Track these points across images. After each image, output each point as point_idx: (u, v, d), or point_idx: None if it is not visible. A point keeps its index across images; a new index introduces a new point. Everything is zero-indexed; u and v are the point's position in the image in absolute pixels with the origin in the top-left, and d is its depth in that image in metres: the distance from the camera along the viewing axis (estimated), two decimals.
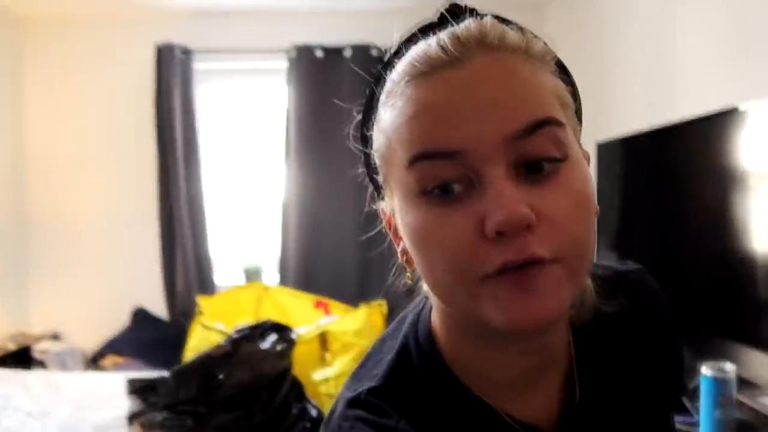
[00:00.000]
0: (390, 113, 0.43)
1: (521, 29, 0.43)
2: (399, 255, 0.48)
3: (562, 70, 0.46)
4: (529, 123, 0.38)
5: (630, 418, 0.51)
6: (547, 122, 0.39)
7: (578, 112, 0.47)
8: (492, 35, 0.40)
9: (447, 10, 0.43)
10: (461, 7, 0.44)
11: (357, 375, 0.51)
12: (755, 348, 1.27)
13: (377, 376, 0.48)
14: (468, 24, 0.41)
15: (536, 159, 0.39)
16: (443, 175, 0.39)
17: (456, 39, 0.40)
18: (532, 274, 0.38)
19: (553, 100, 0.41)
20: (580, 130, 0.47)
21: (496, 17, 0.43)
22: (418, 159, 0.40)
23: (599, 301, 0.50)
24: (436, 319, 0.49)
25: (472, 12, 0.43)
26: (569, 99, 0.44)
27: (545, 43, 0.44)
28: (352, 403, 0.47)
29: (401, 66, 0.43)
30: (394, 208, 0.45)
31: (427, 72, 0.40)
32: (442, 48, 0.40)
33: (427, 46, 0.41)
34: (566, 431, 0.48)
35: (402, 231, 0.44)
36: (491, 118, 0.38)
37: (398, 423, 0.45)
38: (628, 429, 0.51)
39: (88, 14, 3.35)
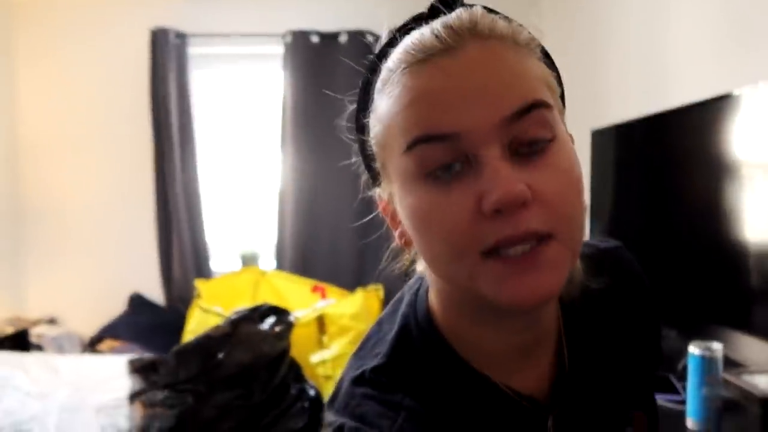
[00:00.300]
0: (386, 101, 0.44)
1: (508, 19, 0.45)
2: (397, 238, 0.50)
3: (546, 57, 0.48)
4: (520, 106, 0.41)
5: (616, 387, 0.54)
6: (537, 105, 0.41)
7: (562, 97, 0.49)
8: (483, 24, 0.42)
9: (438, 1, 0.45)
10: None
11: (359, 355, 0.53)
12: (743, 332, 1.30)
13: (380, 354, 0.50)
14: (460, 13, 0.43)
15: (528, 141, 0.41)
16: (442, 157, 0.41)
17: (449, 28, 0.42)
18: (534, 253, 0.40)
19: (540, 85, 0.43)
20: (564, 113, 0.50)
21: (484, 8, 0.45)
22: (416, 143, 0.41)
23: (587, 279, 0.52)
24: (433, 298, 0.51)
25: (462, 3, 0.45)
26: (555, 84, 0.46)
27: (530, 32, 0.46)
28: (357, 381, 0.49)
29: (396, 55, 0.44)
30: (392, 193, 0.47)
31: (422, 60, 0.42)
32: (436, 36, 0.42)
33: (421, 35, 0.43)
34: (558, 400, 0.51)
35: (402, 214, 0.46)
36: (484, 103, 0.40)
37: (403, 399, 0.47)
38: (614, 397, 0.54)
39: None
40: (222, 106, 3.49)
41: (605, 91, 2.48)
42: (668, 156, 1.65)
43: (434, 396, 0.48)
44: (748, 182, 1.28)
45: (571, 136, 0.47)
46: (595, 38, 2.59)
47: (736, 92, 1.32)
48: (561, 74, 0.49)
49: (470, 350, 0.49)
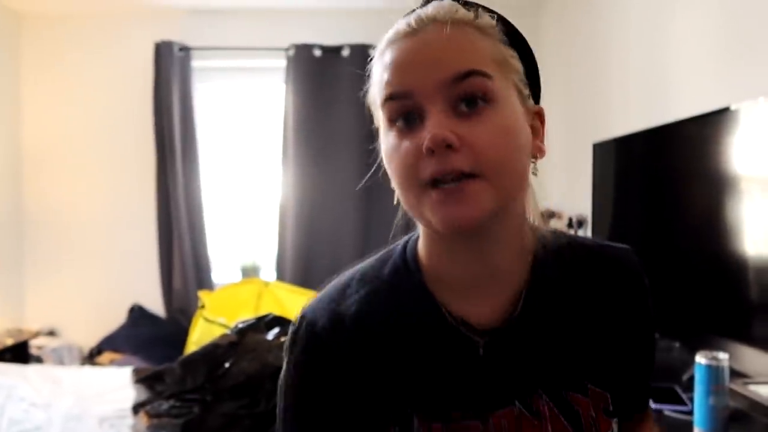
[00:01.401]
0: (375, 70, 0.58)
1: (477, 8, 0.56)
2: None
3: (519, 44, 0.58)
4: (459, 72, 0.52)
5: (571, 352, 0.58)
6: (474, 73, 0.52)
7: (532, 76, 0.59)
8: (443, 13, 0.54)
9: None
10: None
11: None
12: (744, 344, 1.31)
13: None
14: (429, 6, 0.56)
15: (464, 100, 0.52)
16: (400, 110, 0.54)
17: (418, 17, 0.55)
18: (459, 188, 0.51)
19: (485, 60, 0.53)
20: (531, 89, 0.59)
21: (464, 2, 0.57)
22: (386, 100, 0.54)
23: (563, 250, 0.60)
24: (420, 239, 0.62)
25: None
26: (513, 63, 0.56)
27: (497, 18, 0.57)
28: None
29: (384, 37, 0.57)
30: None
31: (395, 40, 0.55)
32: (408, 24, 0.55)
33: (400, 23, 0.56)
34: (502, 337, 0.57)
35: (382, 156, 0.58)
36: (432, 69, 0.52)
37: (359, 291, 0.60)
38: (566, 359, 0.58)
39: (86, 11, 3.36)
40: (224, 119, 3.51)
41: (607, 105, 2.51)
42: (668, 169, 1.67)
43: (386, 302, 0.59)
44: (746, 195, 1.30)
45: (537, 108, 0.59)
46: (596, 53, 2.63)
47: (734, 107, 1.34)
48: (533, 53, 0.61)
49: (436, 281, 0.59)
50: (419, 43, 0.53)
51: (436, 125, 0.50)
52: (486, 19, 0.55)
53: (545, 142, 0.59)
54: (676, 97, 1.94)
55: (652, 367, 0.63)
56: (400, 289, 0.59)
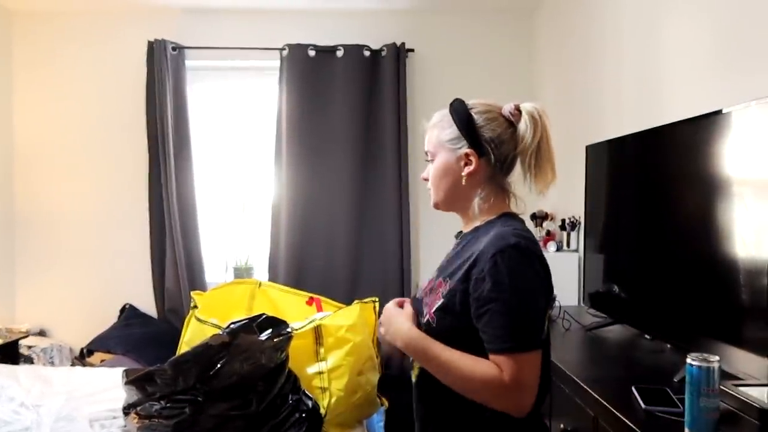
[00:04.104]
0: None
1: (443, 113, 1.10)
2: None
3: (459, 117, 1.07)
4: (425, 150, 1.14)
5: (456, 259, 1.04)
6: (426, 152, 1.13)
7: (472, 134, 1.05)
8: (431, 121, 1.11)
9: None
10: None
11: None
12: (734, 345, 1.31)
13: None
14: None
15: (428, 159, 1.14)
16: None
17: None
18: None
19: (435, 143, 1.09)
20: (469, 136, 1.06)
21: (452, 105, 1.10)
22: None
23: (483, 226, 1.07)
24: None
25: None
26: (452, 140, 1.06)
27: (451, 113, 1.08)
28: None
29: None
30: None
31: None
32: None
33: None
34: (457, 244, 1.12)
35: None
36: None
37: None
38: (454, 259, 1.07)
39: (79, 9, 3.34)
40: (218, 119, 3.50)
41: (600, 107, 2.53)
42: (660, 171, 1.68)
43: None
44: (737, 198, 1.31)
45: (466, 155, 1.05)
46: (589, 56, 2.64)
47: (726, 110, 1.35)
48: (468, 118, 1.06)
49: None
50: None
51: (427, 170, 1.14)
52: (438, 116, 1.10)
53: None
54: (669, 100, 1.95)
55: (490, 318, 0.93)
56: None
